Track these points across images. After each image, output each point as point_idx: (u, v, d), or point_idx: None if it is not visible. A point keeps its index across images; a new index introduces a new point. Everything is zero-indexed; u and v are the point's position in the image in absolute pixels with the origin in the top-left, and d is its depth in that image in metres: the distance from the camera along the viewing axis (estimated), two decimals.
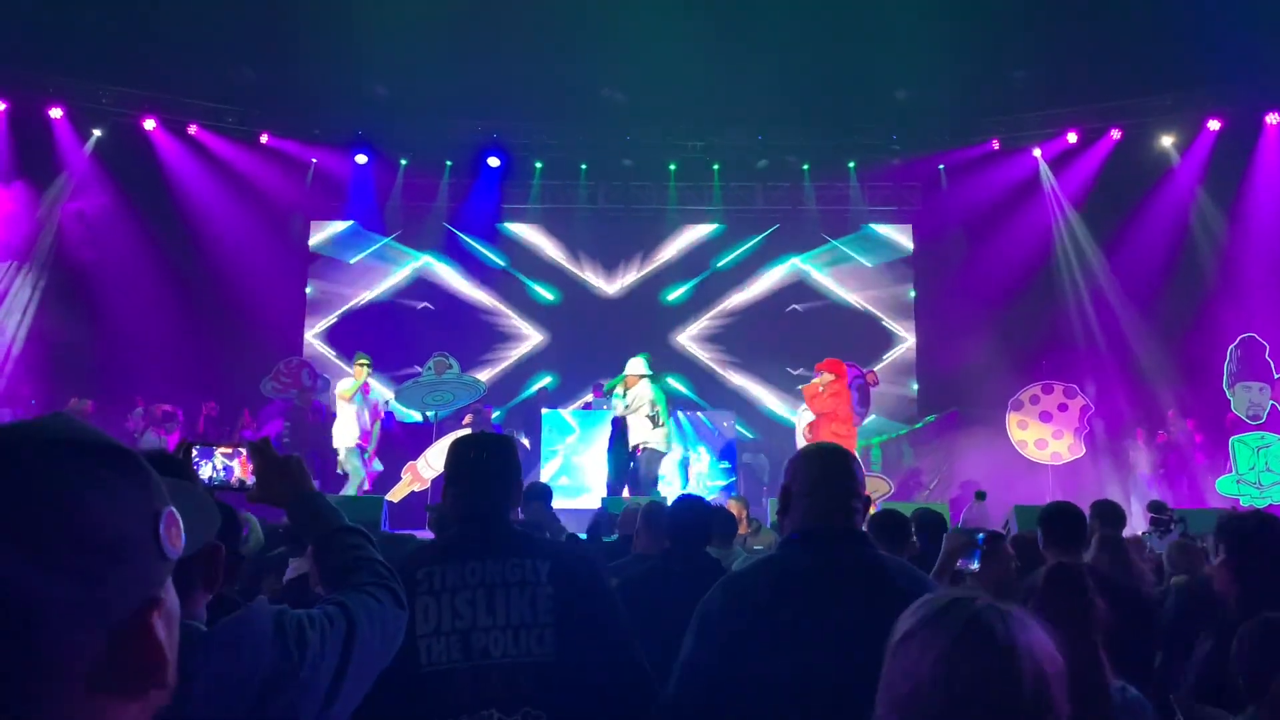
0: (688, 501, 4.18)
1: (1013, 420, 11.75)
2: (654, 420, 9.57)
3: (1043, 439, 11.64)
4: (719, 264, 14.43)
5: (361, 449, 10.18)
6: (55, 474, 0.74)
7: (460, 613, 2.23)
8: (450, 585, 2.26)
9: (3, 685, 0.70)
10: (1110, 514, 5.54)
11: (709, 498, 5.64)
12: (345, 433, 10.12)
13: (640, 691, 2.28)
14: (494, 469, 2.45)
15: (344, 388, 10.28)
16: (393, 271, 14.38)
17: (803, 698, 1.94)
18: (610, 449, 10.33)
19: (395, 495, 11.04)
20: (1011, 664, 1.19)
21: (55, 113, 12.09)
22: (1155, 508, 7.56)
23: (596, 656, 2.28)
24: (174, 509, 0.82)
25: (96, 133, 12.46)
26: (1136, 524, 7.46)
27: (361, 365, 10.31)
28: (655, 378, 9.87)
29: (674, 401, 10.30)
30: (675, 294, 14.50)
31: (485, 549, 2.32)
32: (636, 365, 9.85)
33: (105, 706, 0.74)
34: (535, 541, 2.44)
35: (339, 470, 10.14)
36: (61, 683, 0.72)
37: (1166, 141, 12.43)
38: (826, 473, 2.20)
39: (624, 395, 9.80)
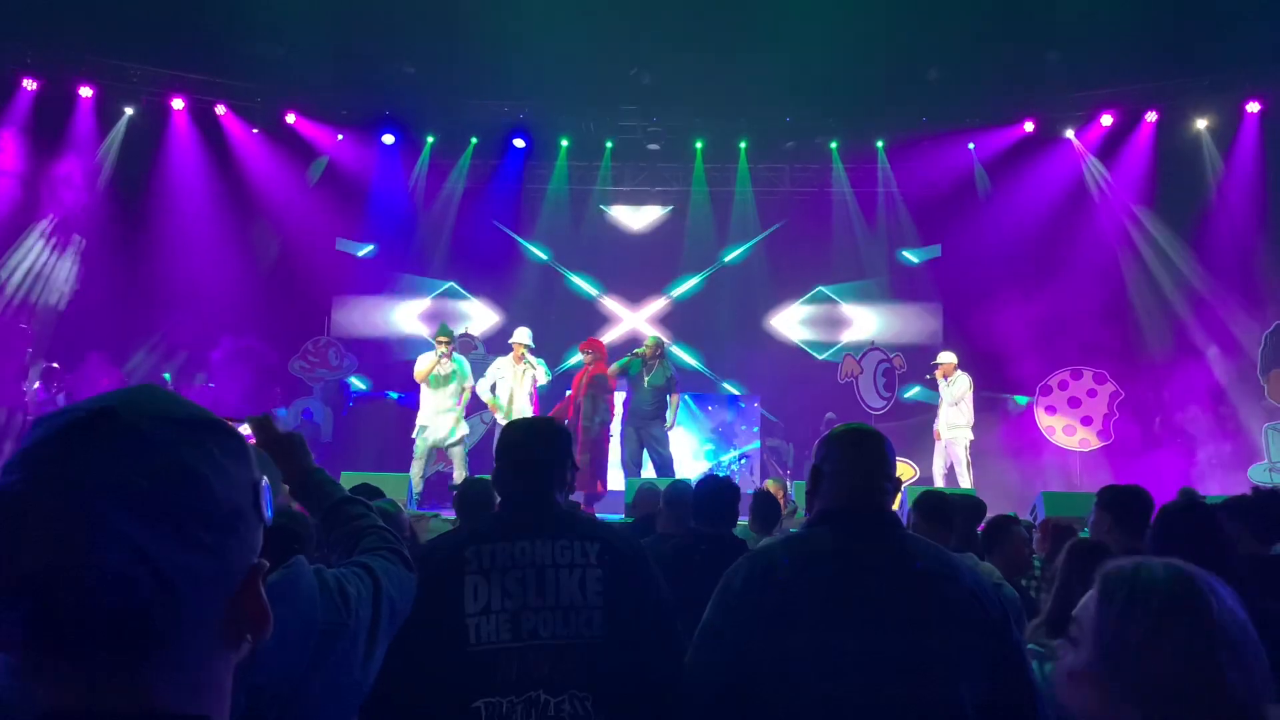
0: (714, 481, 4.16)
1: (1041, 406, 11.66)
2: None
3: (1071, 425, 11.55)
4: (747, 245, 14.34)
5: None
6: (182, 455, 0.79)
7: (510, 592, 2.24)
8: (500, 564, 2.26)
9: (153, 652, 0.77)
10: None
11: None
12: (421, 414, 9.58)
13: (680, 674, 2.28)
14: (543, 452, 2.47)
15: (418, 369, 9.57)
16: (418, 251, 14.37)
17: (822, 676, 1.93)
18: (623, 430, 10.35)
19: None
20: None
21: (85, 91, 12.19)
22: (1184, 495, 7.46)
23: (643, 639, 2.29)
24: (266, 478, 0.88)
25: (129, 111, 12.56)
26: None
27: (441, 341, 9.54)
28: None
29: (672, 381, 10.37)
30: (699, 277, 14.43)
31: (535, 529, 2.33)
32: (525, 335, 9.97)
33: (220, 663, 0.83)
34: (583, 523, 2.45)
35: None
36: (195, 644, 0.79)
37: (1201, 124, 12.22)
38: (857, 453, 2.19)
39: (544, 363, 9.94)
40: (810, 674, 1.93)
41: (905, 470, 12.31)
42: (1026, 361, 11.75)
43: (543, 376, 9.88)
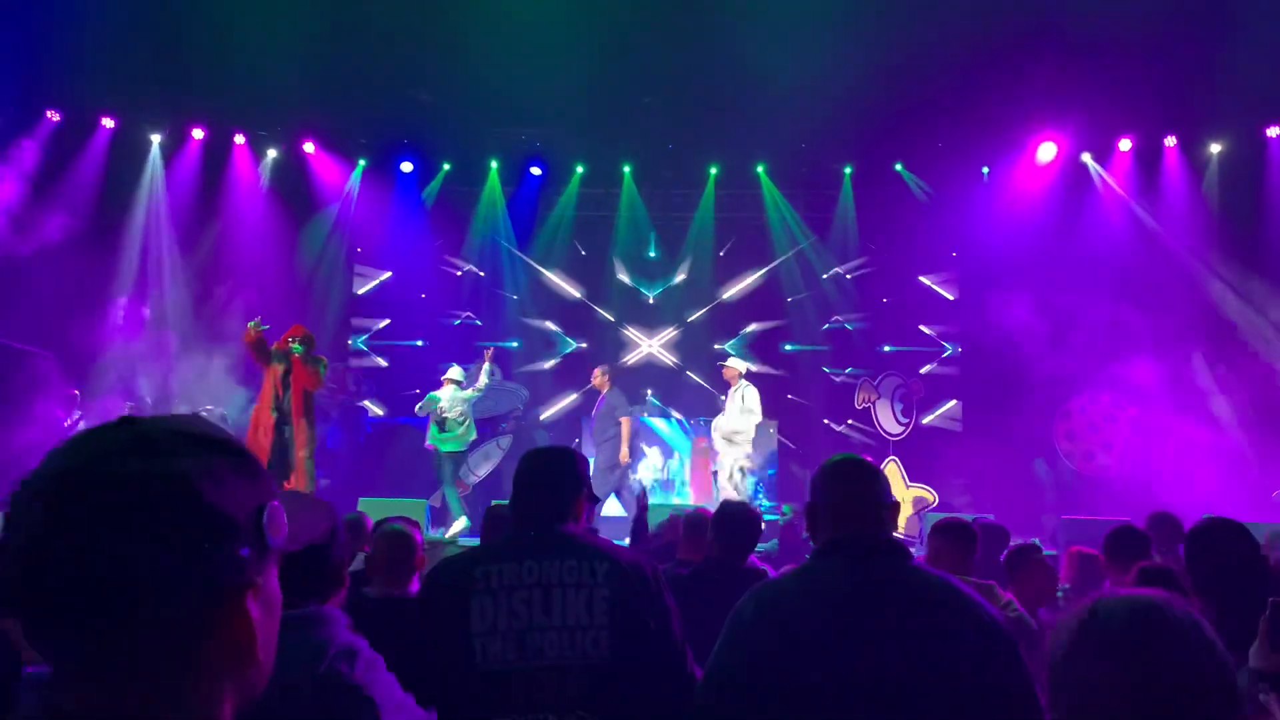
0: (732, 509, 4.14)
1: (1061, 431, 11.57)
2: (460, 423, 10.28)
3: (1090, 451, 11.45)
4: (762, 272, 14.36)
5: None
6: (182, 463, 0.83)
7: (516, 612, 2.23)
8: (507, 584, 2.26)
9: (114, 641, 0.79)
10: (1163, 528, 5.40)
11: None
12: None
13: (688, 698, 2.26)
14: (552, 477, 2.50)
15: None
16: (436, 278, 14.45)
17: (828, 711, 1.91)
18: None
19: (438, 499, 11.18)
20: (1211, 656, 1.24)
21: (108, 122, 12.36)
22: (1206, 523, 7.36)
23: (650, 659, 2.27)
24: (280, 504, 0.89)
25: (156, 139, 12.74)
26: None
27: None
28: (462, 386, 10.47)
29: (613, 407, 10.46)
30: (717, 302, 14.45)
31: (543, 549, 2.33)
32: (456, 372, 10.52)
33: (201, 678, 0.83)
34: (591, 543, 2.44)
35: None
36: (164, 646, 0.81)
37: (1215, 149, 12.21)
38: (849, 482, 2.22)
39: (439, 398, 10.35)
40: (816, 708, 1.92)
41: (924, 496, 12.24)
42: (1045, 386, 11.62)
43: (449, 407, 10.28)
